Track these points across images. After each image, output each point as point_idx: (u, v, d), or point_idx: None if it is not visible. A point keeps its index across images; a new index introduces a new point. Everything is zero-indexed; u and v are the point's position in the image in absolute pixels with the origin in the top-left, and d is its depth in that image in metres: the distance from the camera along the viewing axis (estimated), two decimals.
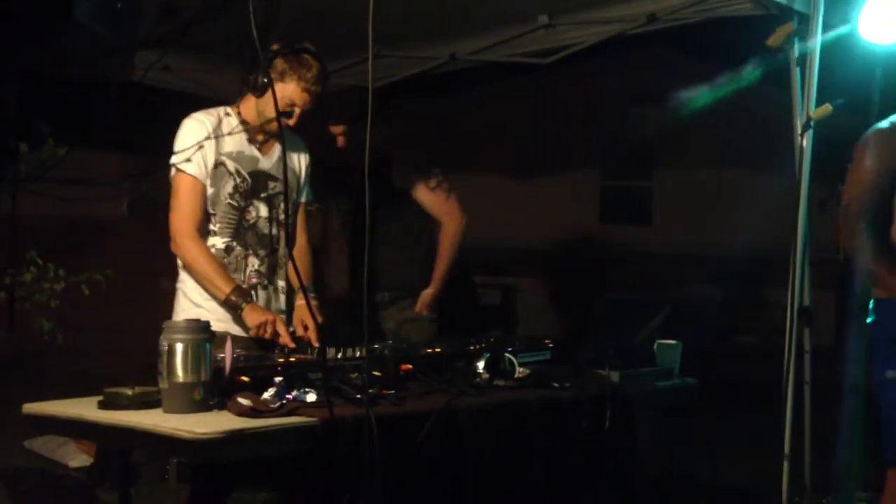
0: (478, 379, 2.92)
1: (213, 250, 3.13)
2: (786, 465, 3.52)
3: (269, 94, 3.01)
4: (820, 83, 3.63)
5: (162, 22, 4.06)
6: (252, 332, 3.02)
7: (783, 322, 3.56)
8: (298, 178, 3.34)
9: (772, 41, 3.68)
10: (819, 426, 3.72)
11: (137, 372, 2.56)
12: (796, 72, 3.70)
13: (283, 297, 3.28)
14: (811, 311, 3.71)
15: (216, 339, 2.50)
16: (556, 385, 3.01)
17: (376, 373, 2.67)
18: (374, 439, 2.32)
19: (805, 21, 3.61)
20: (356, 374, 2.61)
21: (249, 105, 3.15)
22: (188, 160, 3.05)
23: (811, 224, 3.70)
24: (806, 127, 3.60)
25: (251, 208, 3.17)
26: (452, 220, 4.34)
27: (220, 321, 3.03)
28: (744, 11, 3.95)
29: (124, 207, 7.91)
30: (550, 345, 3.33)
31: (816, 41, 3.58)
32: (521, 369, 3.00)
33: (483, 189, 12.12)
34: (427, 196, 4.33)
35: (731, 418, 5.44)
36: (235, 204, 3.14)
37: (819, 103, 3.62)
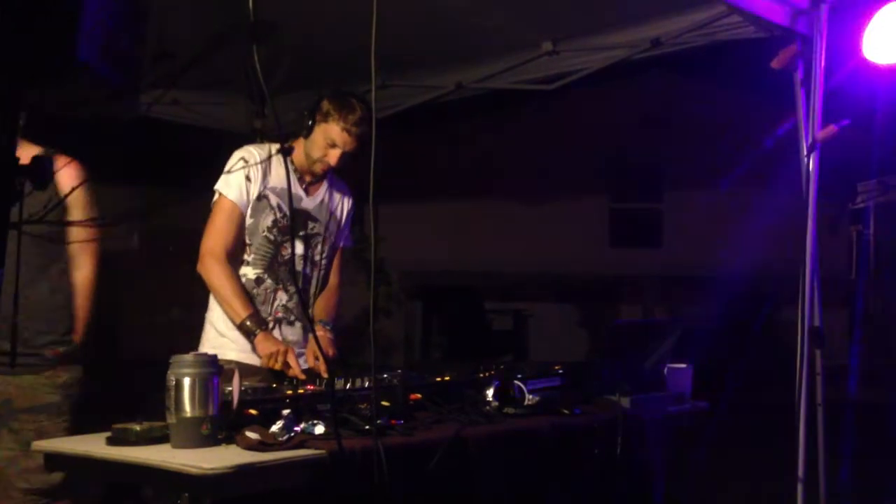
0: (487, 407, 2.92)
1: (243, 279, 3.17)
2: (800, 487, 3.48)
3: (314, 135, 3.16)
4: (825, 104, 3.63)
5: (158, 65, 4.11)
6: (263, 362, 3.04)
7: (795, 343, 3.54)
8: (339, 222, 3.41)
9: (776, 63, 3.69)
10: (833, 448, 3.69)
11: (148, 406, 2.56)
12: (801, 93, 3.70)
13: (302, 335, 3.30)
14: (822, 333, 3.68)
15: (224, 373, 2.50)
16: (566, 412, 3.00)
17: (385, 403, 2.67)
18: (383, 470, 2.32)
19: (808, 43, 3.62)
20: (365, 405, 2.61)
21: (299, 147, 3.23)
22: (230, 186, 3.12)
23: (821, 243, 3.69)
24: (812, 148, 3.60)
25: (287, 244, 3.21)
26: None
27: (244, 352, 3.08)
28: (747, 35, 3.96)
29: (135, 240, 7.95)
30: (560, 371, 3.31)
31: (820, 62, 3.58)
32: (530, 396, 2.99)
33: (492, 215, 12.16)
34: None
35: (743, 441, 5.41)
36: (272, 238, 3.19)
37: (824, 124, 3.61)
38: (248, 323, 3.05)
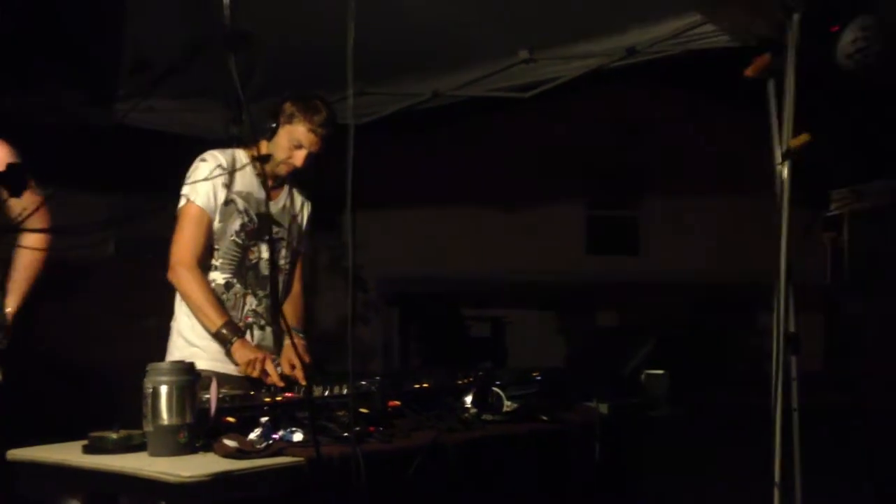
0: (466, 414, 2.92)
1: (212, 285, 3.16)
2: (776, 492, 3.51)
3: (277, 137, 3.16)
4: (797, 111, 3.67)
5: (135, 75, 4.09)
6: (240, 370, 3.03)
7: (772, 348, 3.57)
8: (301, 226, 3.42)
9: (749, 72, 3.73)
10: (809, 453, 3.72)
11: (124, 414, 2.54)
12: (773, 102, 3.74)
13: (272, 339, 3.29)
14: (799, 338, 3.72)
15: (201, 380, 2.49)
16: (544, 418, 3.01)
17: (363, 410, 2.67)
18: (361, 478, 2.31)
19: (781, 52, 3.66)
20: (343, 412, 2.61)
21: (261, 148, 3.21)
22: (198, 192, 3.11)
23: (797, 248, 3.72)
24: (785, 156, 3.63)
25: (254, 248, 3.21)
26: None
27: (215, 360, 3.06)
28: (721, 43, 4.01)
29: (111, 248, 7.90)
30: (538, 377, 3.32)
31: (792, 70, 3.62)
32: (509, 403, 3.00)
33: (471, 222, 12.17)
34: None
35: (720, 447, 5.44)
36: (240, 242, 3.19)
37: (797, 132, 3.65)
38: (224, 331, 3.03)
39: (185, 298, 3.12)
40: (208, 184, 3.11)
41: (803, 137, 3.62)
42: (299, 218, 3.41)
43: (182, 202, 3.14)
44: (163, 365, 2.47)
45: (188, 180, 3.15)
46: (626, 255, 12.95)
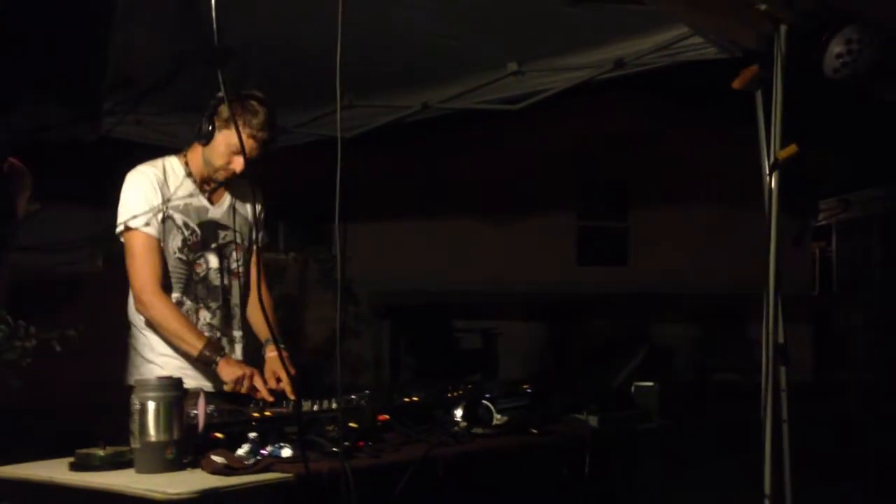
0: (456, 427, 2.91)
1: None
2: (766, 503, 3.50)
3: (215, 142, 2.99)
4: (785, 122, 3.68)
5: (119, 91, 4.05)
6: (228, 387, 2.96)
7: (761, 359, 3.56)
8: (250, 224, 3.25)
9: (737, 84, 3.74)
10: (799, 464, 3.72)
11: (112, 430, 2.52)
12: (761, 113, 3.75)
13: (238, 348, 3.19)
14: (787, 349, 3.72)
15: (189, 396, 2.47)
16: (534, 431, 3.00)
17: (353, 424, 2.65)
18: (351, 493, 2.30)
19: (768, 63, 3.67)
20: (332, 427, 2.59)
21: (196, 154, 3.08)
22: (139, 217, 2.97)
23: (786, 259, 3.72)
24: (774, 167, 3.64)
25: (200, 261, 3.09)
26: None
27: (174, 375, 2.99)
28: (709, 56, 4.02)
29: (99, 262, 7.87)
30: (528, 390, 3.31)
31: (779, 82, 3.63)
32: (498, 416, 2.99)
33: (460, 233, 12.20)
34: None
35: (710, 458, 5.44)
36: (184, 258, 3.06)
37: (785, 142, 3.66)
38: (206, 353, 2.95)
39: (159, 327, 3.01)
40: (145, 204, 2.97)
41: (791, 149, 3.63)
42: (248, 213, 3.23)
43: (121, 228, 2.99)
44: (150, 381, 2.45)
45: (124, 202, 3.00)
46: (616, 267, 12.98)
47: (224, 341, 3.14)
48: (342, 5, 2.27)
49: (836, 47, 3.58)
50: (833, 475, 5.71)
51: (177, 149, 3.19)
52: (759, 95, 3.77)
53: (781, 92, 3.62)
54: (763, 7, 3.49)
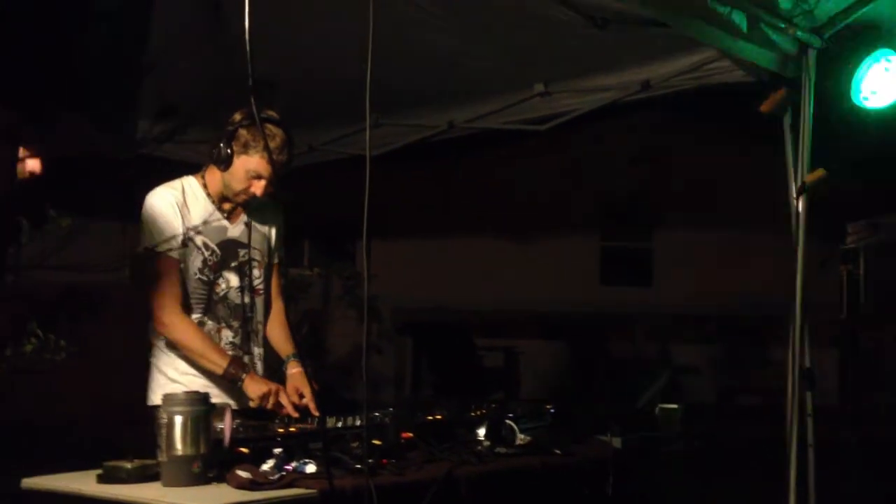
0: (479, 446, 2.91)
1: None
2: None
3: (233, 167, 3.00)
4: (814, 146, 3.68)
5: (159, 120, 4.07)
6: (254, 403, 2.98)
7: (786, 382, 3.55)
8: (269, 240, 3.26)
9: (765, 107, 3.74)
10: (825, 488, 3.69)
11: (139, 442, 2.55)
12: (789, 137, 3.75)
13: (259, 365, 3.21)
14: (814, 374, 3.70)
15: (216, 411, 2.49)
16: (557, 452, 3.00)
17: (376, 442, 2.66)
18: None
19: (796, 87, 3.67)
20: (356, 444, 2.60)
21: (215, 175, 3.09)
22: (159, 242, 2.99)
23: (812, 283, 3.71)
24: (801, 191, 3.64)
25: (221, 280, 3.10)
26: None
27: None
28: (736, 79, 4.01)
29: (128, 274, 7.95)
30: (552, 410, 3.31)
31: (809, 106, 3.63)
32: (521, 436, 2.99)
33: (484, 252, 12.20)
34: None
35: (735, 481, 5.39)
36: (205, 278, 3.07)
37: (813, 166, 3.66)
38: (232, 370, 2.96)
39: (182, 348, 3.02)
40: (166, 228, 2.99)
41: (819, 172, 3.63)
42: (266, 231, 3.25)
43: (140, 249, 3.01)
44: (178, 395, 2.48)
45: (146, 225, 3.01)
46: (639, 287, 12.93)
47: (246, 359, 3.15)
48: (372, 27, 2.31)
49: (865, 71, 3.58)
50: (859, 499, 5.64)
51: (195, 166, 3.21)
52: (786, 119, 3.77)
53: (810, 115, 3.63)
54: (792, 31, 3.50)
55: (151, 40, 3.62)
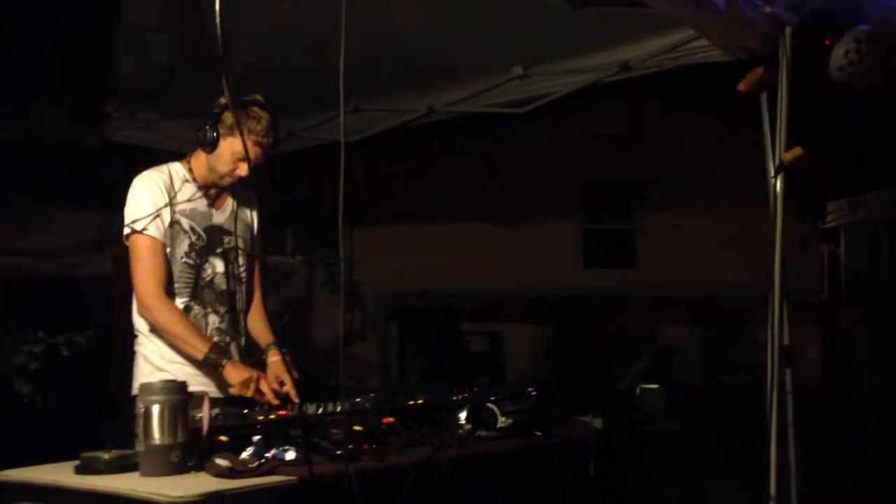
0: (460, 430, 2.91)
1: None
2: None
3: (219, 149, 3.02)
4: (790, 124, 3.68)
5: (119, 96, 4.02)
6: (235, 390, 2.97)
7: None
8: (252, 230, 3.29)
9: (742, 86, 3.73)
10: (806, 467, 3.71)
11: (117, 433, 2.53)
12: (767, 116, 3.75)
13: (244, 353, 3.23)
14: (793, 352, 3.71)
15: (194, 399, 2.48)
16: (539, 434, 3.00)
17: (357, 427, 2.65)
18: (355, 496, 2.30)
19: (774, 65, 3.67)
20: (336, 430, 2.59)
21: (200, 160, 3.11)
22: (144, 221, 2.99)
23: (794, 262, 3.72)
24: (779, 169, 3.64)
25: (207, 265, 3.12)
26: None
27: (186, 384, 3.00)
28: (714, 58, 4.01)
29: (108, 265, 7.90)
30: (533, 392, 3.32)
31: (785, 84, 3.63)
32: (503, 419, 2.99)
33: (467, 237, 12.20)
34: None
35: (716, 461, 5.42)
36: (191, 262, 3.09)
37: (790, 145, 3.66)
38: (212, 356, 2.96)
39: (163, 331, 3.03)
40: (151, 208, 2.99)
41: (796, 151, 3.62)
42: (248, 220, 3.28)
43: (127, 231, 3.01)
44: (155, 384, 2.47)
45: (130, 207, 3.02)
46: (622, 269, 12.97)
47: (233, 346, 3.17)
48: (344, 9, 2.28)
49: (842, 47, 3.58)
50: (839, 478, 5.69)
51: (181, 153, 3.20)
52: (764, 98, 3.77)
53: (787, 94, 3.63)
54: (767, 9, 3.49)
55: (122, 27, 3.58)
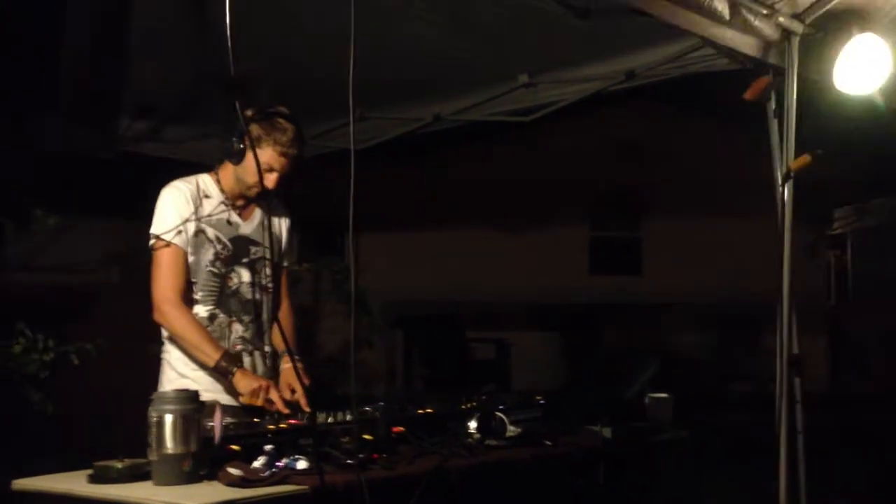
0: (469, 439, 2.92)
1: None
2: None
3: (246, 160, 3.06)
4: (798, 134, 3.68)
5: (140, 118, 4.06)
6: (244, 399, 3.00)
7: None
8: (280, 241, 3.36)
9: (749, 95, 3.74)
10: (814, 475, 3.71)
11: (129, 442, 2.55)
12: (774, 124, 3.75)
13: (269, 362, 3.26)
14: (802, 360, 3.71)
15: (206, 408, 2.49)
16: (548, 443, 3.01)
17: (367, 436, 2.66)
18: None
19: (780, 74, 3.68)
20: (347, 438, 2.60)
21: (228, 172, 3.16)
22: (169, 230, 3.04)
23: (801, 269, 3.72)
24: (786, 178, 3.64)
25: (233, 275, 3.16)
26: None
27: (208, 391, 3.01)
28: (719, 67, 4.02)
29: (115, 274, 7.93)
30: (542, 401, 3.32)
31: (792, 92, 3.63)
32: (512, 428, 2.99)
33: (473, 244, 12.20)
34: None
35: (725, 469, 5.42)
36: (216, 271, 3.13)
37: (798, 153, 3.66)
38: (223, 363, 2.99)
39: (176, 337, 3.07)
40: (177, 217, 3.05)
41: (804, 159, 3.63)
42: (278, 231, 3.34)
43: (152, 241, 3.07)
44: (167, 393, 2.48)
45: (157, 215, 3.08)
46: (629, 276, 12.96)
47: (257, 355, 3.21)
48: (354, 19, 2.30)
49: (848, 56, 3.59)
50: (848, 485, 5.68)
51: (208, 166, 3.25)
52: (770, 106, 3.78)
53: (794, 102, 3.63)
54: (774, 18, 3.50)
55: (132, 37, 3.60)
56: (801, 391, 3.73)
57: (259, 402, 2.97)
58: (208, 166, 3.24)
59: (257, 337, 3.22)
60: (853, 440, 7.85)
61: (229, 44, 2.06)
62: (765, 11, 3.48)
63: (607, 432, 3.16)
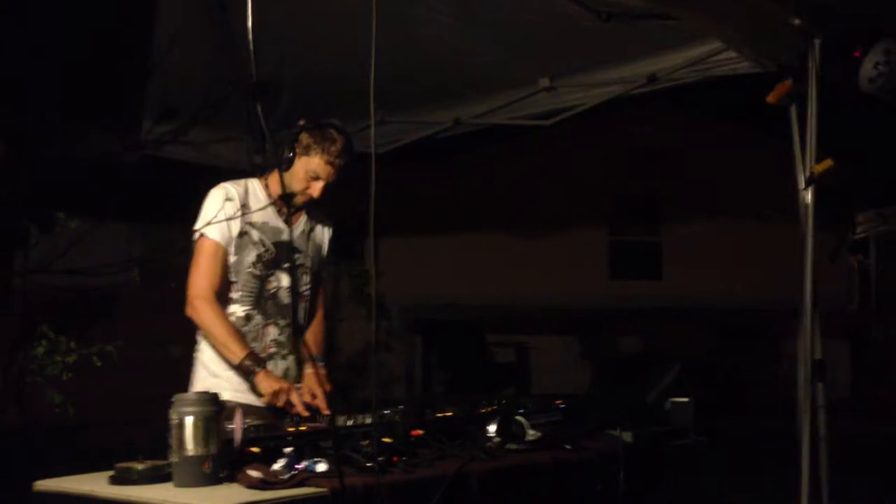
0: (489, 443, 2.91)
1: (232, 318, 3.15)
2: None
3: (294, 168, 3.14)
4: (820, 136, 3.66)
5: (162, 122, 4.10)
6: (265, 400, 3.03)
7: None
8: (321, 251, 3.40)
9: (771, 98, 3.72)
10: (837, 481, 3.67)
11: (150, 443, 2.56)
12: (796, 127, 3.73)
13: (300, 368, 3.29)
14: (825, 366, 3.68)
15: (226, 410, 2.50)
16: (568, 447, 2.99)
17: (386, 439, 2.66)
18: None
19: (803, 77, 3.65)
20: (367, 442, 2.61)
21: (275, 178, 3.21)
22: (211, 225, 3.09)
23: (822, 274, 3.69)
24: (809, 181, 3.62)
25: (272, 278, 3.21)
26: None
27: (238, 391, 3.06)
28: (742, 70, 4.00)
29: (136, 276, 7.98)
30: (562, 405, 3.31)
31: (815, 96, 3.61)
32: (532, 432, 2.98)
33: (493, 248, 12.19)
34: None
35: (745, 474, 5.37)
36: (257, 273, 3.18)
37: (821, 157, 3.63)
38: (247, 362, 3.03)
39: (205, 332, 3.12)
40: (215, 211, 3.10)
41: (827, 163, 3.60)
42: (319, 242, 3.39)
43: (196, 236, 3.13)
44: (188, 396, 2.49)
45: (202, 213, 3.14)
46: (649, 280, 12.91)
47: (290, 360, 3.24)
48: (374, 23, 2.31)
49: (872, 59, 3.56)
50: (871, 492, 5.63)
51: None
52: (793, 110, 3.75)
53: (816, 106, 3.61)
54: (797, 22, 3.48)
55: (155, 41, 3.63)
56: (823, 396, 3.70)
57: (280, 403, 2.99)
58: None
59: (291, 341, 3.25)
60: (875, 446, 7.77)
61: (251, 48, 2.07)
62: (788, 14, 3.46)
63: (628, 437, 3.14)
